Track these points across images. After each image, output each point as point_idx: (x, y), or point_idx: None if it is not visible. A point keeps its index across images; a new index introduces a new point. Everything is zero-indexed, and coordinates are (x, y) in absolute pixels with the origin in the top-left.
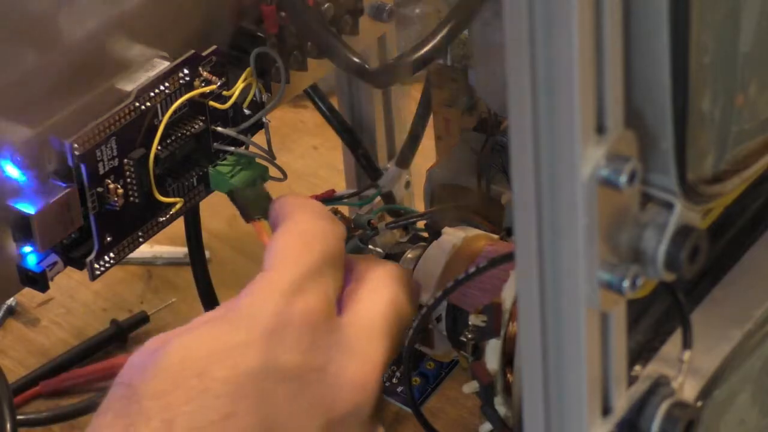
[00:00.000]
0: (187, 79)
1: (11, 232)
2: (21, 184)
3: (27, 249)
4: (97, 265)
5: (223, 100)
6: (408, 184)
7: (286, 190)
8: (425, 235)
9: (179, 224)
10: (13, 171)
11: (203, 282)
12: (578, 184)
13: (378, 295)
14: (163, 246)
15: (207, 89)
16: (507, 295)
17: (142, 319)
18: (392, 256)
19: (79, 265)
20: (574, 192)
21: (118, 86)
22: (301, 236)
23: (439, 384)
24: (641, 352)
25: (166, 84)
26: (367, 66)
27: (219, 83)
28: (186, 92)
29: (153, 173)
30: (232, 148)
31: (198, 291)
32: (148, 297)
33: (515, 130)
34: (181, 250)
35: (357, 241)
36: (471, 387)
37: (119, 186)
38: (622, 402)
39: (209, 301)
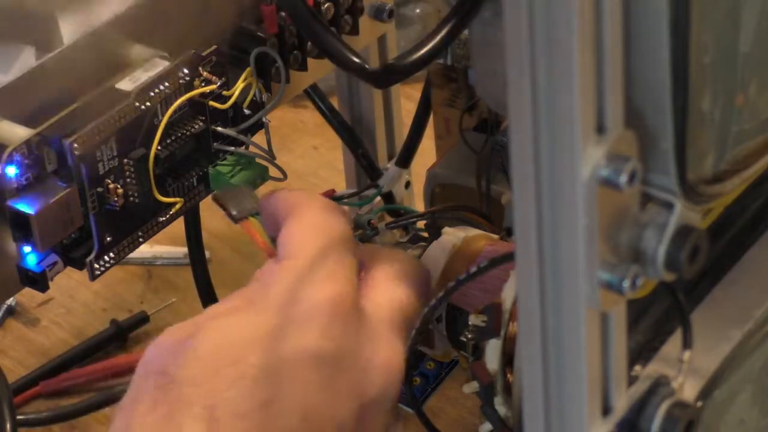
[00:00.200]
0: (187, 79)
1: (11, 232)
2: (21, 184)
3: (27, 249)
4: (97, 265)
5: (223, 100)
6: (408, 184)
7: None
8: (425, 235)
9: (179, 224)
10: (13, 171)
11: (203, 282)
12: (578, 184)
13: (394, 282)
14: (163, 246)
15: (207, 89)
16: (507, 295)
17: (142, 319)
18: None
19: (79, 265)
20: (574, 192)
21: (118, 86)
22: (318, 226)
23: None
24: (641, 352)
25: (166, 84)
26: (367, 66)
27: (219, 83)
28: (186, 92)
29: (153, 173)
30: (232, 148)
31: (198, 291)
32: (148, 297)
33: (515, 130)
34: (181, 250)
35: (357, 241)
36: (471, 387)
37: (119, 186)
38: (622, 402)
39: (209, 301)
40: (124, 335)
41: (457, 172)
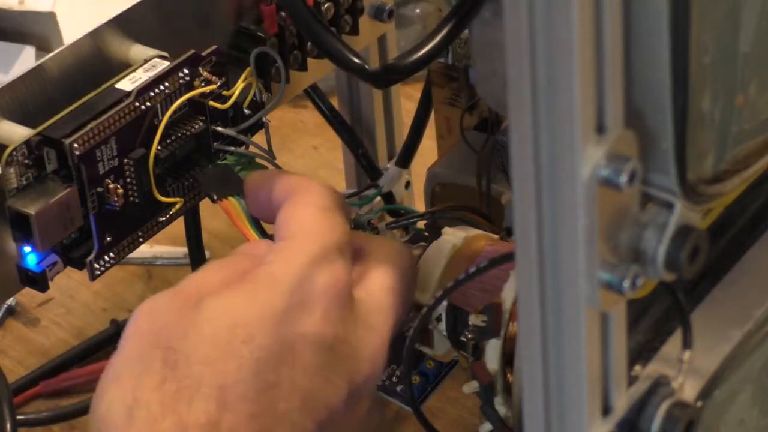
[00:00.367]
0: (187, 79)
1: (11, 232)
2: (21, 184)
3: (27, 249)
4: (97, 265)
5: (223, 100)
6: (408, 184)
7: None
8: (425, 235)
9: (179, 224)
10: (12, 171)
11: None
12: (578, 184)
13: (386, 272)
14: (163, 246)
15: (207, 89)
16: (507, 295)
17: None
18: None
19: (79, 265)
20: (574, 192)
21: (118, 86)
22: (321, 210)
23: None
24: (641, 352)
25: (166, 84)
26: (367, 66)
27: (219, 83)
28: (186, 92)
29: (153, 173)
30: (232, 148)
31: None
32: (148, 297)
33: (515, 129)
34: (181, 250)
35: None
36: (471, 387)
37: (119, 186)
38: (622, 402)
39: None
40: None
41: (458, 172)
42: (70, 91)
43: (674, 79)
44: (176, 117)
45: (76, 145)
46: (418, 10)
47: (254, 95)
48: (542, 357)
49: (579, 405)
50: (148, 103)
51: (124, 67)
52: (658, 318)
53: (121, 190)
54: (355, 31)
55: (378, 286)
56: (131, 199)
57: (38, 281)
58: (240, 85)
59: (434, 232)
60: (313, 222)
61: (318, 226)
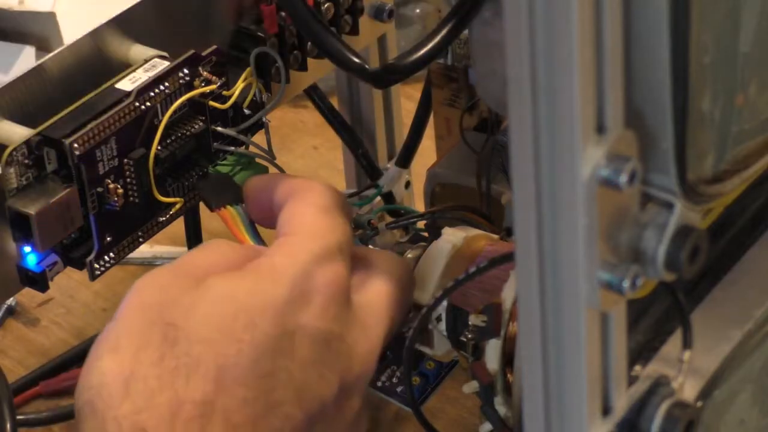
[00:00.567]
0: (187, 79)
1: (11, 232)
2: (21, 184)
3: (27, 249)
4: (97, 265)
5: (223, 100)
6: (408, 184)
7: None
8: (425, 235)
9: (179, 224)
10: (12, 171)
11: None
12: (578, 184)
13: (384, 281)
14: (163, 246)
15: (207, 89)
16: (507, 295)
17: None
18: None
19: (79, 265)
20: (574, 192)
21: (118, 86)
22: (322, 210)
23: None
24: (641, 352)
25: (166, 84)
26: (367, 66)
27: (219, 83)
28: (186, 92)
29: (153, 173)
30: (232, 148)
31: None
32: None
33: (515, 130)
34: (181, 250)
35: (357, 242)
36: (471, 387)
37: (119, 186)
38: (622, 402)
39: None
40: None
41: (457, 172)
42: (70, 91)
43: (674, 79)
44: (176, 117)
45: (76, 145)
46: (418, 10)
47: (254, 95)
48: (542, 357)
49: (579, 405)
50: (148, 103)
51: (124, 67)
52: (658, 318)
53: (121, 190)
54: (355, 31)
55: (376, 293)
56: (131, 199)
57: (38, 281)
58: (240, 85)
59: (434, 232)
60: (315, 221)
61: (320, 226)
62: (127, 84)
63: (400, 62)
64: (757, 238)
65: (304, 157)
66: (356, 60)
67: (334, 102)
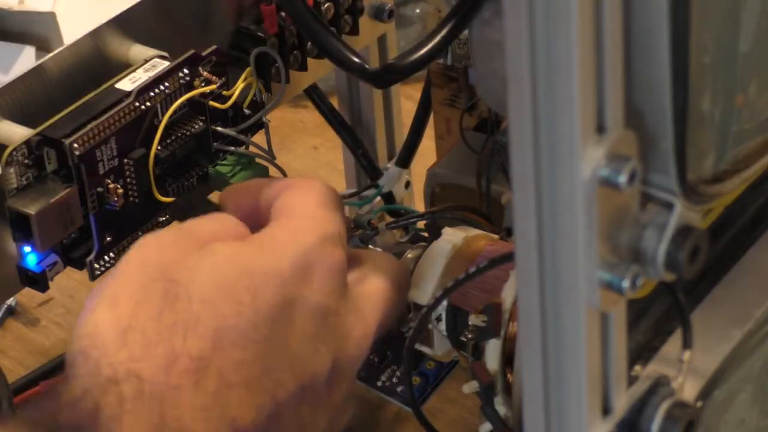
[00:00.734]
0: (187, 79)
1: (11, 232)
2: (21, 184)
3: (27, 249)
4: (97, 265)
5: (223, 100)
6: (408, 184)
7: None
8: (425, 235)
9: None
10: (12, 171)
11: None
12: (578, 184)
13: (379, 277)
14: None
15: (207, 89)
16: (507, 295)
17: None
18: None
19: (79, 265)
20: (574, 192)
21: (118, 86)
22: (320, 204)
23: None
24: (641, 352)
25: (166, 84)
26: (367, 66)
27: (219, 83)
28: (186, 92)
29: (153, 173)
30: (232, 148)
31: None
32: None
33: (515, 130)
34: None
35: (357, 241)
36: (471, 387)
37: (119, 186)
38: (622, 402)
39: None
40: None
41: (457, 172)
42: (70, 91)
43: (674, 79)
44: (176, 117)
45: (76, 145)
46: (418, 10)
47: (254, 95)
48: (542, 357)
49: (579, 405)
50: (148, 103)
51: (124, 67)
52: (658, 318)
53: (121, 190)
54: (355, 31)
55: (371, 287)
56: (131, 199)
57: (38, 281)
58: (240, 85)
59: (434, 232)
60: (316, 211)
61: (321, 215)
62: (127, 84)
63: (400, 62)
64: (757, 238)
65: (304, 157)
66: (356, 60)
67: (334, 102)
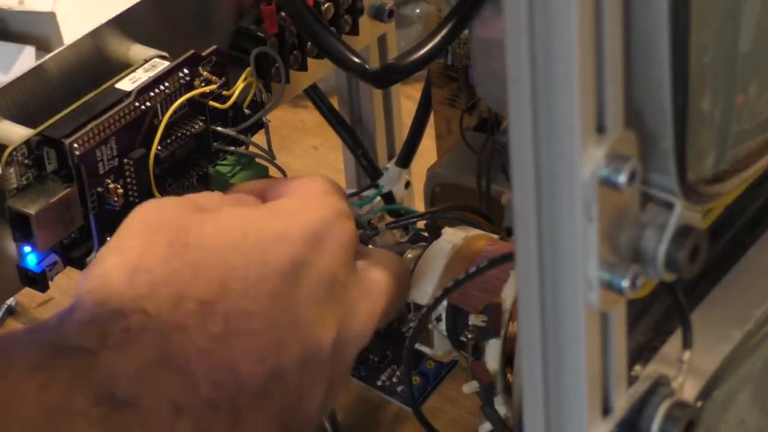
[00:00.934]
0: (187, 79)
1: (11, 232)
2: (21, 184)
3: (27, 249)
4: None
5: (223, 100)
6: (408, 184)
7: None
8: (425, 235)
9: None
10: (12, 171)
11: None
12: (578, 184)
13: (382, 270)
14: None
15: (207, 89)
16: (507, 295)
17: None
18: None
19: (79, 265)
20: (574, 192)
21: (118, 86)
22: (327, 192)
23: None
24: (641, 352)
25: (166, 84)
26: (367, 66)
27: (219, 83)
28: (186, 92)
29: (153, 173)
30: (232, 148)
31: None
32: None
33: (515, 130)
34: None
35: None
36: (471, 387)
37: (119, 186)
38: (622, 402)
39: None
40: None
41: (457, 172)
42: (70, 91)
43: (674, 79)
44: (176, 117)
45: (76, 145)
46: (418, 10)
47: (254, 95)
48: (542, 357)
49: (579, 405)
50: (148, 103)
51: (124, 67)
52: (658, 318)
53: (121, 190)
54: (355, 31)
55: (377, 274)
56: (131, 199)
57: (38, 281)
58: (240, 85)
59: (434, 232)
60: (326, 194)
61: (330, 198)
62: (127, 84)
63: (400, 62)
64: (757, 238)
65: (304, 157)
66: (356, 60)
67: (334, 102)
